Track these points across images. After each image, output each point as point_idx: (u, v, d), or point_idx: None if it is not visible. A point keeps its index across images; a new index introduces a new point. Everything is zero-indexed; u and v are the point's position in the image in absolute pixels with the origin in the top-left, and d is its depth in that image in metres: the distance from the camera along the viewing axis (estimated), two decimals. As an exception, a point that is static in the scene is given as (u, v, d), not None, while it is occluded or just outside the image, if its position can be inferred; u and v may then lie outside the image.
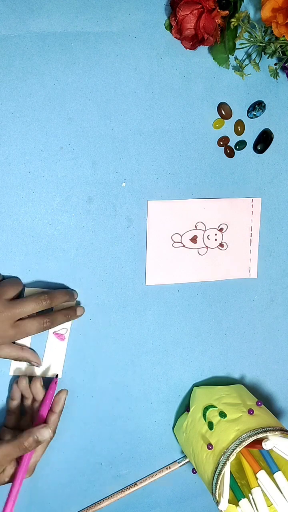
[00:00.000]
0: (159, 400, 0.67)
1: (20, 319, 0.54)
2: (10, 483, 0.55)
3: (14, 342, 0.58)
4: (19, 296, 0.57)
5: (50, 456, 0.62)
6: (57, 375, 0.61)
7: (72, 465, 0.65)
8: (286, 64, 0.61)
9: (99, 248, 0.61)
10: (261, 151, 0.64)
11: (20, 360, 0.57)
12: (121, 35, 0.57)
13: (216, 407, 0.62)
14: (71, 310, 0.58)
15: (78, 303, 0.61)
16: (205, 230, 0.64)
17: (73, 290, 0.60)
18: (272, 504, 0.58)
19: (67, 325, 0.61)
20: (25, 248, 0.58)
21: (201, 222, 0.64)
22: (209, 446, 0.58)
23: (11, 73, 0.55)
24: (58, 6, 0.55)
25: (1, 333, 0.52)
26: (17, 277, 0.58)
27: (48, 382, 0.61)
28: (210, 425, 0.60)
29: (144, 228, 0.62)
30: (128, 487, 0.68)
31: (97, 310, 0.62)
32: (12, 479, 0.55)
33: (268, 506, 0.57)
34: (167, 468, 0.69)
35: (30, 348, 0.60)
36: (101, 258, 0.61)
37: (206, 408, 0.62)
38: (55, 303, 0.56)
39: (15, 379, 0.59)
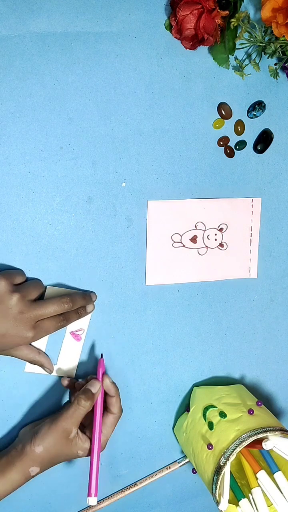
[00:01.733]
0: (159, 400, 0.67)
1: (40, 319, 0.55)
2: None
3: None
4: (41, 297, 0.58)
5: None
6: (102, 355, 0.62)
7: (72, 465, 0.65)
8: (286, 64, 0.61)
9: (99, 248, 0.61)
10: (261, 151, 0.64)
11: (35, 364, 0.59)
12: (121, 35, 0.57)
13: (216, 407, 0.62)
14: (81, 308, 0.59)
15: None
16: (205, 230, 0.64)
17: (92, 292, 0.60)
18: (272, 504, 0.58)
19: (85, 325, 0.61)
20: (25, 248, 0.58)
21: (201, 222, 0.64)
22: (209, 446, 0.58)
23: (11, 73, 0.55)
24: (58, 6, 0.55)
25: (22, 334, 0.53)
26: (38, 279, 0.59)
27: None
28: (210, 425, 0.60)
29: (144, 228, 0.62)
30: (128, 487, 0.68)
31: (97, 310, 0.62)
32: (86, 453, 0.58)
33: (268, 506, 0.57)
34: (167, 468, 0.69)
35: (45, 353, 0.60)
36: (101, 258, 0.61)
37: (206, 408, 0.62)
38: (76, 306, 0.57)
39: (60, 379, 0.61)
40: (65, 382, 0.61)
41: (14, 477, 0.55)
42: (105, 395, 0.60)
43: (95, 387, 0.57)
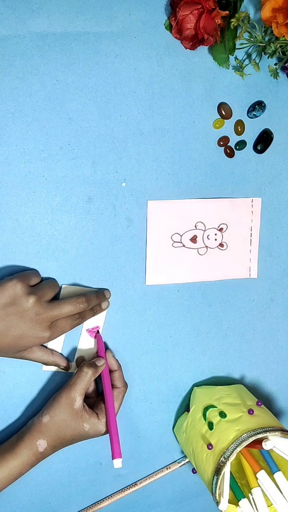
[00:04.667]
0: (159, 400, 0.67)
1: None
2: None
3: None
4: (56, 297, 0.58)
5: (50, 456, 0.62)
6: (97, 331, 0.63)
7: (72, 465, 0.65)
8: (286, 64, 0.61)
9: (99, 248, 0.61)
10: (261, 151, 0.64)
11: (50, 365, 0.59)
12: (121, 35, 0.57)
13: (216, 407, 0.62)
14: (97, 305, 0.59)
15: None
16: (205, 230, 0.64)
17: (106, 289, 0.61)
18: (272, 504, 0.58)
19: (100, 322, 0.62)
20: (25, 248, 0.58)
21: (201, 222, 0.64)
22: (209, 446, 0.58)
23: (11, 73, 0.55)
24: (58, 6, 0.55)
25: (39, 334, 0.54)
26: (54, 279, 0.59)
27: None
28: (210, 425, 0.60)
29: (144, 228, 0.62)
30: (128, 487, 0.68)
31: (97, 310, 0.62)
32: (94, 431, 0.58)
33: (268, 506, 0.57)
34: (167, 468, 0.69)
35: (59, 353, 0.61)
36: (101, 258, 0.61)
37: (206, 408, 0.62)
38: (91, 305, 0.58)
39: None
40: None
41: (23, 453, 0.56)
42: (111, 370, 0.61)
43: (100, 361, 0.59)
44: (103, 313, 0.62)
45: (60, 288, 0.59)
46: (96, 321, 0.62)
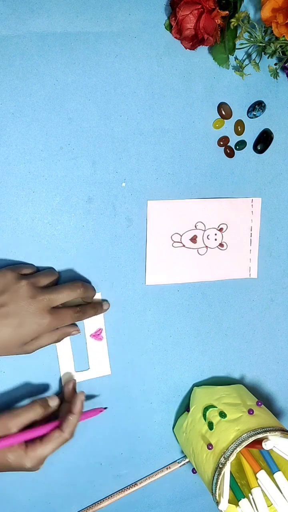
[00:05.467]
0: (159, 400, 0.67)
1: (55, 307, 0.55)
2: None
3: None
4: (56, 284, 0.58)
5: (50, 456, 0.62)
6: (106, 408, 0.64)
7: (72, 465, 0.65)
8: (286, 64, 0.61)
9: (99, 248, 0.61)
10: (261, 151, 0.64)
11: (63, 338, 0.57)
12: (121, 35, 0.57)
13: (216, 407, 0.62)
14: (98, 304, 0.60)
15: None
16: (205, 230, 0.64)
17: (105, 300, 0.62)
18: (272, 504, 0.58)
19: (101, 324, 0.62)
20: (25, 248, 0.58)
21: (201, 222, 0.64)
22: (209, 446, 0.58)
23: (11, 73, 0.55)
24: (58, 6, 0.55)
25: (38, 319, 0.53)
26: (51, 268, 0.59)
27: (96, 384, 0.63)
28: (210, 425, 0.60)
29: (144, 228, 0.62)
30: (128, 487, 0.68)
31: (97, 310, 0.62)
32: (17, 466, 0.54)
33: (268, 506, 0.57)
34: (167, 468, 0.69)
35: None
36: (101, 258, 0.61)
37: (206, 408, 0.62)
38: (87, 294, 0.57)
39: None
40: (70, 386, 0.61)
41: None
42: (67, 412, 0.57)
43: (53, 401, 0.57)
44: (101, 316, 0.61)
45: (58, 277, 0.59)
46: (97, 324, 0.62)
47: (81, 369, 0.63)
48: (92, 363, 0.63)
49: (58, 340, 0.57)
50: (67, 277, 0.60)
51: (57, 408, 0.58)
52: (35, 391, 0.62)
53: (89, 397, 0.64)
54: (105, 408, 0.64)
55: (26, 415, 0.54)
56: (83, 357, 0.62)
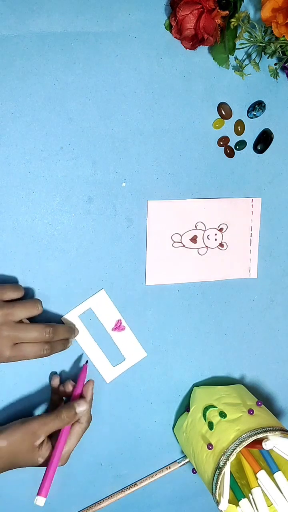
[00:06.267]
0: (159, 400, 0.67)
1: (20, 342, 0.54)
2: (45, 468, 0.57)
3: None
4: (33, 319, 0.57)
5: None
6: (87, 361, 0.63)
7: (72, 465, 0.65)
8: (286, 64, 0.61)
9: (99, 248, 0.61)
10: (261, 151, 0.64)
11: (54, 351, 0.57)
12: (121, 35, 0.57)
13: (216, 407, 0.62)
14: (66, 340, 0.59)
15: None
16: (205, 230, 0.64)
17: (74, 327, 0.61)
18: (272, 504, 0.58)
19: (118, 315, 0.62)
20: (25, 248, 0.58)
21: (201, 222, 0.64)
22: (209, 446, 0.58)
23: (11, 73, 0.55)
24: (58, 6, 0.55)
25: None
26: (36, 300, 0.56)
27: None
28: (210, 425, 0.60)
29: (144, 228, 0.62)
30: (128, 487, 0.68)
31: (98, 310, 0.62)
32: (46, 462, 0.56)
33: (268, 506, 0.57)
34: (167, 468, 0.69)
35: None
36: (101, 258, 0.61)
37: (206, 408, 0.62)
38: (56, 338, 0.56)
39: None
40: (56, 381, 0.61)
41: None
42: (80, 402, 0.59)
43: (80, 408, 0.57)
44: (114, 307, 0.62)
45: (41, 311, 0.57)
46: (114, 316, 0.62)
47: (117, 362, 0.64)
48: (125, 353, 0.64)
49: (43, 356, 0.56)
50: (67, 277, 0.60)
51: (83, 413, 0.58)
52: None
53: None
54: (86, 362, 0.62)
55: (54, 424, 0.55)
56: (115, 351, 0.63)
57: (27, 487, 0.63)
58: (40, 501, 0.55)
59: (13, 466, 0.55)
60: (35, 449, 0.55)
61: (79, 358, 0.63)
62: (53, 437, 0.57)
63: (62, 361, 0.62)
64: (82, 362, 0.63)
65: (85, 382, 0.61)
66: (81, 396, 0.60)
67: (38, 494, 0.55)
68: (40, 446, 0.55)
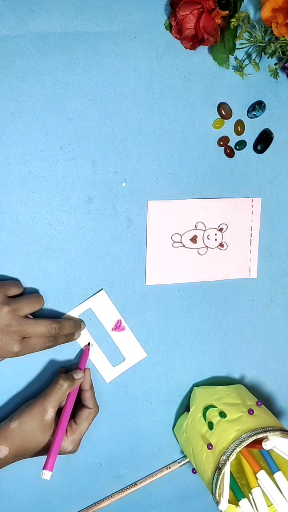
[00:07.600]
0: (159, 400, 0.67)
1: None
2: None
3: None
4: (36, 314, 0.59)
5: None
6: (89, 343, 0.63)
7: (72, 465, 0.65)
8: (286, 64, 0.61)
9: (99, 248, 0.61)
10: (261, 151, 0.64)
11: (58, 343, 0.58)
12: (121, 35, 0.57)
13: (216, 407, 0.62)
14: (71, 333, 0.59)
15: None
16: (205, 230, 0.64)
17: (81, 320, 0.61)
18: (272, 504, 0.58)
19: (118, 315, 0.63)
20: (25, 248, 0.58)
21: (201, 222, 0.64)
22: (209, 446, 0.58)
23: (11, 73, 0.55)
24: (58, 6, 0.55)
25: (8, 347, 0.53)
26: (38, 294, 0.58)
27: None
28: (210, 425, 0.60)
29: (144, 228, 0.62)
30: (128, 487, 0.68)
31: (98, 310, 0.62)
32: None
33: (268, 506, 0.57)
34: (167, 468, 0.69)
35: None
36: (101, 258, 0.61)
37: (206, 408, 0.62)
38: (62, 333, 0.57)
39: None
40: (62, 370, 0.62)
41: None
42: (80, 390, 0.61)
43: (77, 374, 0.59)
44: (114, 307, 0.62)
45: (42, 305, 0.58)
46: (114, 317, 0.62)
47: (117, 362, 0.64)
48: (125, 353, 0.64)
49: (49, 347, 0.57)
50: (67, 277, 0.60)
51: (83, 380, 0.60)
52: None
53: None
54: (89, 344, 0.63)
55: (55, 392, 0.56)
56: (114, 352, 0.63)
57: (27, 487, 0.64)
58: (47, 475, 0.55)
59: (26, 451, 0.56)
60: (46, 427, 0.56)
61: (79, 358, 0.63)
62: (67, 429, 0.58)
63: (62, 361, 0.62)
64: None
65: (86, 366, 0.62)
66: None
67: (44, 468, 0.55)
68: (52, 424, 0.56)
